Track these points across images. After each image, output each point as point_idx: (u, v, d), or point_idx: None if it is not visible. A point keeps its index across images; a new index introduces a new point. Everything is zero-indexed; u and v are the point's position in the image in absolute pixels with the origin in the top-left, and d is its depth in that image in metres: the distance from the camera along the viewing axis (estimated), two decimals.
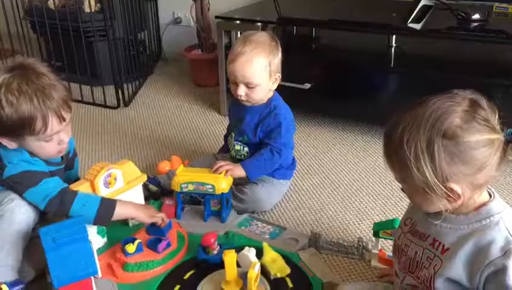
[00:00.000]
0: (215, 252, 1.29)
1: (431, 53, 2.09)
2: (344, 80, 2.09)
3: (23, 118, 1.15)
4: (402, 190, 0.92)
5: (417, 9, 1.99)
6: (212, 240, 1.29)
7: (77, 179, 1.52)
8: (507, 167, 1.75)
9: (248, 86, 1.50)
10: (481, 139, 0.80)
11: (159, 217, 1.34)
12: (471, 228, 0.87)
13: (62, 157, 1.35)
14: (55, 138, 1.22)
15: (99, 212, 1.24)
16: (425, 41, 2.12)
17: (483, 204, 0.87)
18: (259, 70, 1.49)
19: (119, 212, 1.28)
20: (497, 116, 0.83)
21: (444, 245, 0.89)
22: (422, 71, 1.93)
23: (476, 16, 1.90)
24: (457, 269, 0.86)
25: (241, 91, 1.51)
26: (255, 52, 1.48)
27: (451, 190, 0.82)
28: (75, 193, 1.24)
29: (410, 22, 1.94)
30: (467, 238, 0.86)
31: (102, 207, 1.24)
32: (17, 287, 1.19)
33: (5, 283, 1.16)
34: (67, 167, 1.45)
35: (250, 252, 1.20)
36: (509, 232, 0.84)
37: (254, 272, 1.14)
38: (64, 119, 1.20)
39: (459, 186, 0.82)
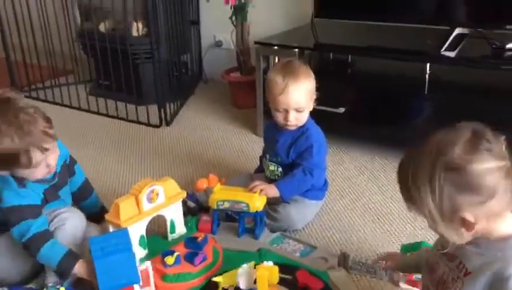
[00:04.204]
0: None
1: (465, 81, 2.12)
2: (378, 105, 2.14)
3: (8, 155, 1.22)
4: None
5: (451, 37, 2.04)
6: None
7: (84, 181, 1.60)
8: None
9: (298, 110, 1.59)
10: (486, 167, 0.82)
11: None
12: (495, 256, 0.87)
13: (54, 174, 1.41)
14: (42, 164, 1.30)
15: (60, 263, 1.30)
16: (459, 69, 2.14)
17: None
18: (307, 94, 1.60)
19: (77, 271, 1.31)
20: (504, 145, 0.85)
21: (467, 268, 0.91)
22: (456, 98, 1.95)
23: (511, 45, 1.93)
24: None
25: (293, 117, 1.60)
26: (300, 79, 1.58)
27: (464, 219, 0.84)
28: (41, 243, 1.29)
29: (444, 50, 1.98)
30: (489, 266, 0.87)
31: (63, 260, 1.30)
32: None
33: (62, 285, 1.28)
34: (68, 175, 1.53)
35: (245, 269, 1.25)
36: None
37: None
38: (46, 149, 1.27)
39: (470, 214, 0.83)
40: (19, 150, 1.22)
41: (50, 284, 1.30)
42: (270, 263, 1.26)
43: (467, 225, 0.85)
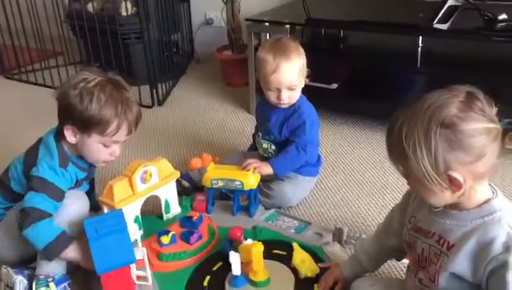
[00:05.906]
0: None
1: (458, 53, 2.11)
2: (371, 80, 2.13)
3: (103, 118, 1.26)
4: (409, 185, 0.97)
5: (444, 9, 2.02)
6: (239, 234, 1.37)
7: (92, 179, 1.54)
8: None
9: (290, 88, 1.58)
10: (478, 127, 0.83)
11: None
12: (474, 224, 0.90)
13: (90, 165, 1.41)
14: (111, 148, 1.33)
15: (48, 245, 1.24)
16: (452, 42, 2.14)
17: (486, 201, 0.90)
18: (299, 71, 1.58)
19: (69, 255, 1.27)
20: (494, 108, 0.86)
21: (449, 242, 0.93)
22: (449, 71, 1.95)
23: (503, 16, 1.90)
24: (462, 264, 0.90)
25: (285, 96, 1.59)
26: (291, 58, 1.55)
27: (453, 179, 0.85)
28: (40, 219, 1.23)
29: (436, 22, 1.96)
30: (470, 234, 0.89)
31: (55, 241, 1.24)
32: (64, 284, 1.29)
33: (53, 280, 1.27)
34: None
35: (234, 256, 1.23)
36: (511, 228, 0.87)
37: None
38: (130, 133, 1.34)
39: (460, 174, 0.85)
40: (115, 119, 1.27)
41: (42, 277, 1.27)
42: (250, 241, 1.30)
43: (455, 184, 0.86)
